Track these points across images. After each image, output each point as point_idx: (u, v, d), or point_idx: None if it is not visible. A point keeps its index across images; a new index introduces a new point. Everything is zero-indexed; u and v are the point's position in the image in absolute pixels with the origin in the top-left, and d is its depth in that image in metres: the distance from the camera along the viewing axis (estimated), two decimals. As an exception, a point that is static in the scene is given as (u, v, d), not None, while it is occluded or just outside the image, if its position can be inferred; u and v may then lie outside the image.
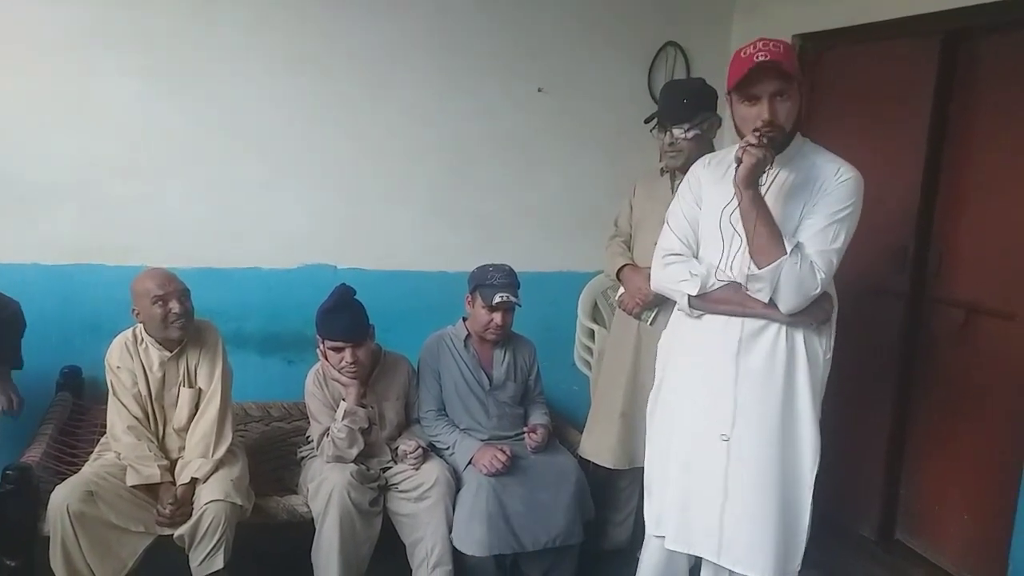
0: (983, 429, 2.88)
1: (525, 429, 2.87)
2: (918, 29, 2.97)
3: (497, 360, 2.91)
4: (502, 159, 3.66)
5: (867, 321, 3.15)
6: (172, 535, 2.42)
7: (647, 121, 2.81)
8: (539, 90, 3.64)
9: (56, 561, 2.31)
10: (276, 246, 3.41)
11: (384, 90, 3.45)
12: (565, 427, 3.19)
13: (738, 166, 1.98)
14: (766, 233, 1.98)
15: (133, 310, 2.55)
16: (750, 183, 1.97)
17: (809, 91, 3.46)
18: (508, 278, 2.80)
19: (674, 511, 2.19)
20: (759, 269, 1.99)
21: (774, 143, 1.97)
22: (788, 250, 1.97)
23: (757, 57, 1.97)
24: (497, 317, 2.79)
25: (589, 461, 2.89)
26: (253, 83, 3.28)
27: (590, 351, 3.48)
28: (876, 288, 3.16)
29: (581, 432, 3.03)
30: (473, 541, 2.58)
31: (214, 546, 2.39)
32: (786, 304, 2.02)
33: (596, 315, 3.60)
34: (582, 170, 3.74)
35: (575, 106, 3.70)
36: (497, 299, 2.75)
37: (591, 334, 3.49)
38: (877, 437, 3.20)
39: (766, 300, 2.02)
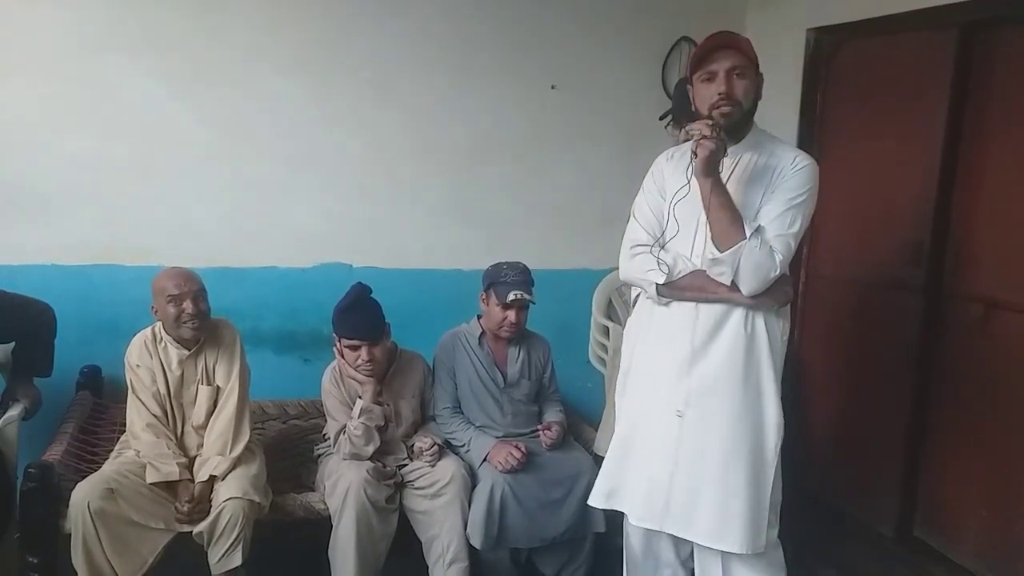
0: (1002, 425, 2.85)
1: (539, 426, 2.88)
2: (934, 21, 2.95)
3: (512, 358, 2.91)
4: (515, 156, 3.65)
5: (884, 316, 3.13)
6: (191, 532, 2.44)
7: (662, 118, 2.80)
8: (552, 87, 3.64)
9: (77, 558, 2.34)
10: (292, 245, 3.43)
11: (396, 88, 3.45)
12: (580, 424, 3.19)
13: (694, 158, 2.06)
14: (726, 218, 2.07)
15: (152, 307, 2.59)
16: (707, 172, 2.06)
17: (824, 85, 3.45)
18: (522, 276, 2.81)
19: (641, 490, 2.24)
20: (720, 253, 2.07)
21: (730, 118, 2.08)
22: (748, 234, 2.05)
23: (713, 34, 2.13)
24: (511, 315, 2.80)
25: (604, 458, 2.89)
26: (266, 84, 3.30)
27: (605, 348, 3.48)
28: (893, 283, 3.14)
29: (596, 429, 3.02)
30: (489, 537, 2.59)
31: (232, 543, 2.41)
32: (747, 286, 2.09)
33: (611, 312, 3.59)
34: (595, 167, 3.73)
35: (588, 103, 3.69)
36: (511, 297, 2.76)
37: (606, 331, 3.49)
38: (895, 434, 3.18)
39: (728, 283, 2.10)
